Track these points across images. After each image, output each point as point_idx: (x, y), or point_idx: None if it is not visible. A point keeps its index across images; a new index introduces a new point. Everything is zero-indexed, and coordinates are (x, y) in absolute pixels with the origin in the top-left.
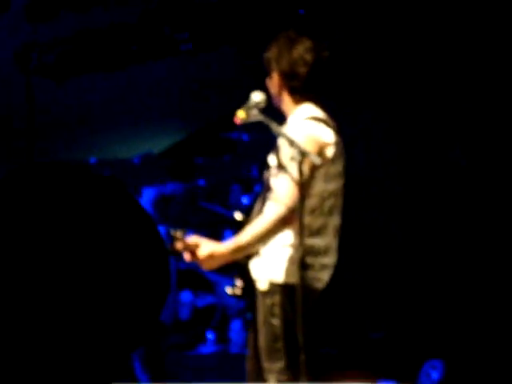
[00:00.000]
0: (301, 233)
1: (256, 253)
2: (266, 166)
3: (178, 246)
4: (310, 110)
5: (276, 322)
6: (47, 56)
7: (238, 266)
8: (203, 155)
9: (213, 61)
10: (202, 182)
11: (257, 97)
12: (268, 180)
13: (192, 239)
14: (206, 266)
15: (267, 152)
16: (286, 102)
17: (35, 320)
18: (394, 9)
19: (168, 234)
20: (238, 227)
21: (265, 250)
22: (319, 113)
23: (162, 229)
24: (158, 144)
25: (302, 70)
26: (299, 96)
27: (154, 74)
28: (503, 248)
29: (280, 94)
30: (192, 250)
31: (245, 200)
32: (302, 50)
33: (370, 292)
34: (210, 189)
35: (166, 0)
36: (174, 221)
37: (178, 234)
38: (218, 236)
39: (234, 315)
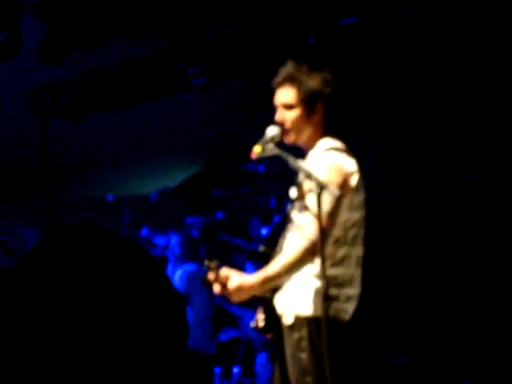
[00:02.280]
0: (323, 264)
1: (280, 287)
2: (287, 199)
3: (211, 276)
4: (331, 142)
5: (304, 355)
6: (61, 96)
7: (261, 301)
8: (220, 187)
9: (225, 94)
10: (220, 215)
11: (272, 131)
12: (289, 212)
13: (223, 272)
14: (235, 299)
15: (284, 182)
16: (308, 136)
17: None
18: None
19: (204, 264)
20: (261, 259)
21: (288, 284)
22: (339, 144)
23: (192, 265)
24: (174, 178)
25: (323, 103)
26: (320, 129)
27: (167, 109)
28: None
29: (301, 129)
30: (223, 282)
31: (264, 231)
32: (321, 84)
33: (394, 317)
34: (228, 221)
35: (178, 35)
36: (195, 255)
37: (213, 264)
38: (239, 269)
39: (259, 349)
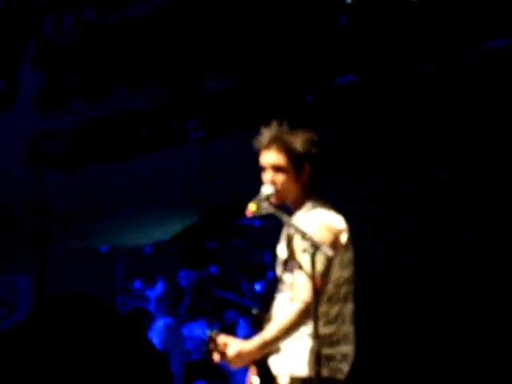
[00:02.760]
0: (316, 324)
1: (276, 348)
2: (276, 258)
3: (210, 346)
4: (317, 201)
5: None
6: (58, 147)
7: (256, 361)
8: (215, 240)
9: (222, 147)
10: (213, 270)
11: (267, 189)
12: (280, 273)
13: (221, 339)
14: (234, 365)
15: (278, 237)
16: (295, 196)
17: None
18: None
19: (207, 335)
20: (255, 321)
21: (283, 344)
22: (326, 202)
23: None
24: (169, 231)
25: (309, 163)
26: (307, 188)
27: (163, 161)
28: None
29: (290, 190)
30: (222, 350)
31: (258, 287)
32: (308, 145)
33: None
34: (222, 276)
35: (176, 89)
36: (188, 310)
37: (213, 334)
38: (232, 324)
39: None
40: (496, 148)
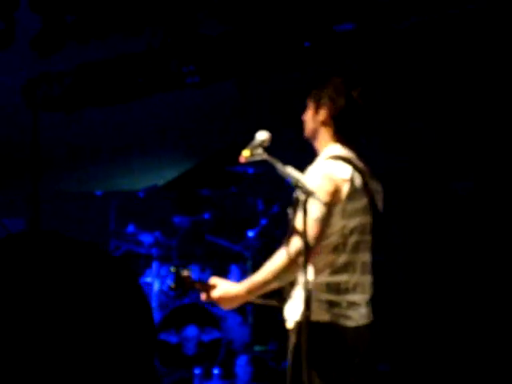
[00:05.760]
0: (305, 269)
1: (287, 296)
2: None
3: (197, 286)
4: (335, 149)
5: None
6: (53, 89)
7: (277, 310)
8: (209, 187)
9: (218, 93)
10: (207, 216)
11: (262, 136)
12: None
13: (212, 280)
14: (224, 306)
15: (272, 185)
16: (321, 140)
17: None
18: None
19: (173, 271)
20: (246, 262)
21: (293, 291)
22: (342, 151)
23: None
24: (163, 176)
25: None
26: (331, 136)
27: (159, 106)
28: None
29: (318, 132)
30: (209, 290)
31: (251, 234)
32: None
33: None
34: (215, 222)
35: (172, 33)
36: (181, 255)
37: (185, 272)
38: (224, 270)
39: (240, 350)
40: (490, 95)
